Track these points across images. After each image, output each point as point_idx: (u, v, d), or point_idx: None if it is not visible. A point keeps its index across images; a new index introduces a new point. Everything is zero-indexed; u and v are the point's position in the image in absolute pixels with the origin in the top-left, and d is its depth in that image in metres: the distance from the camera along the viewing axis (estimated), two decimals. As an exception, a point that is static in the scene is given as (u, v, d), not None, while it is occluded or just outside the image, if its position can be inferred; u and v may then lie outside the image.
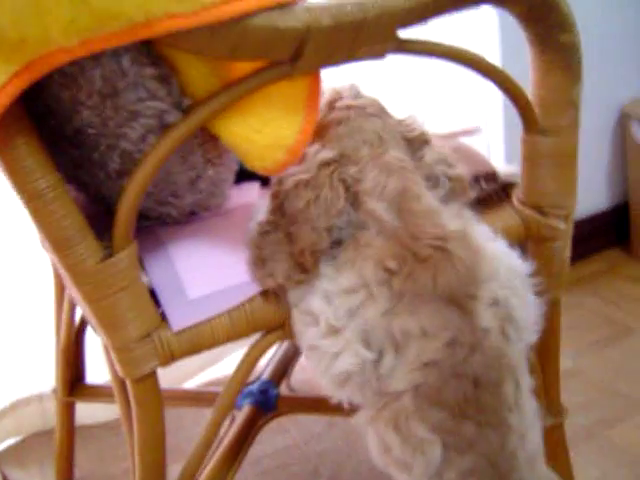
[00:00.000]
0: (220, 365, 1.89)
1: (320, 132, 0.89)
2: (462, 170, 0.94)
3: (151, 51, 0.79)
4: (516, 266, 0.88)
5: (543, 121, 0.99)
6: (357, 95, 0.93)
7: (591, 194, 2.29)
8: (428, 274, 0.79)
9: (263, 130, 0.83)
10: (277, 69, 0.80)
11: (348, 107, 0.90)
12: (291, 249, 0.84)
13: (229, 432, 1.30)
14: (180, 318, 0.87)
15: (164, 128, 0.81)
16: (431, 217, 0.83)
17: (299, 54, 0.78)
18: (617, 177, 2.32)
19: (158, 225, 0.98)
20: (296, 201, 0.83)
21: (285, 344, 1.59)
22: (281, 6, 0.74)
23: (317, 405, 1.44)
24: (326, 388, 0.88)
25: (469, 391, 0.80)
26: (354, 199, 0.84)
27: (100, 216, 0.88)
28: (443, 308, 0.80)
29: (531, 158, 1.01)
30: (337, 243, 0.84)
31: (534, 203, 1.03)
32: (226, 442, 1.27)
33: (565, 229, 1.04)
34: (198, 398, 1.45)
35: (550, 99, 0.98)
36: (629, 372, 1.76)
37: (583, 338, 1.89)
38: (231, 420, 1.35)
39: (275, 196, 0.86)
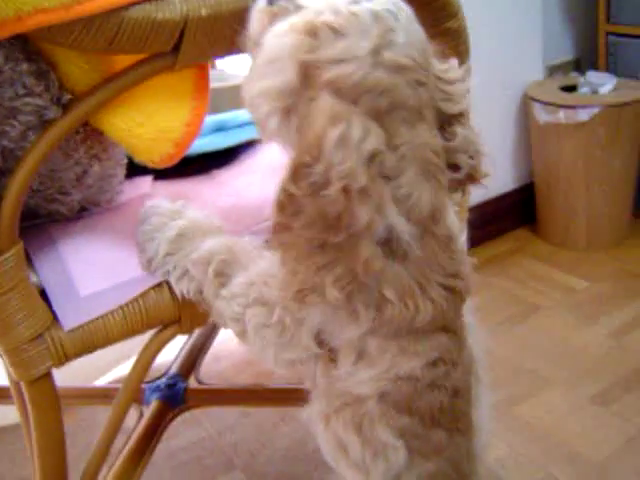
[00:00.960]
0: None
1: (357, 96, 0.64)
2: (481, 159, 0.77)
3: (26, 46, 0.77)
4: None
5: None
6: (406, 25, 0.67)
7: (498, 175, 2.33)
8: (433, 312, 0.71)
9: (147, 123, 0.82)
10: (157, 61, 0.79)
11: (398, 67, 0.65)
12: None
13: (137, 428, 1.29)
14: (72, 316, 0.86)
15: (44, 124, 0.79)
16: (450, 243, 0.72)
17: (178, 46, 0.77)
18: (522, 158, 2.36)
19: (49, 222, 0.96)
20: (331, 208, 0.64)
21: (193, 336, 1.58)
22: (157, -3, 0.73)
23: (227, 397, 1.44)
24: (276, 368, 0.82)
25: (445, 401, 0.75)
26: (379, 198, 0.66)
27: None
28: (435, 334, 0.74)
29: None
30: None
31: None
32: (134, 438, 1.26)
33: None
34: (107, 395, 1.43)
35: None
36: (535, 349, 1.80)
37: (492, 318, 1.93)
38: (139, 416, 1.34)
39: (306, 194, 0.65)
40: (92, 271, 0.89)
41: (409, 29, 0.67)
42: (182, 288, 0.85)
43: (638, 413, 1.54)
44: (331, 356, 0.77)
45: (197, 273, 0.83)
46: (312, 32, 0.64)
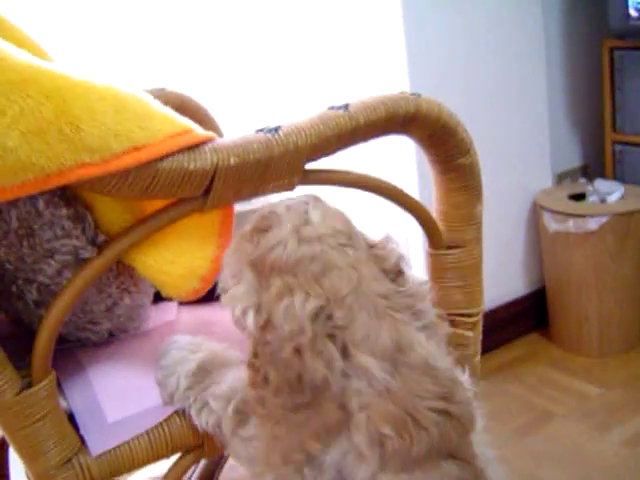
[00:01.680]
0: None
1: (293, 270, 0.75)
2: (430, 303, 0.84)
3: (65, 192, 0.82)
4: None
5: (447, 236, 1.05)
6: (317, 204, 0.82)
7: (509, 281, 2.36)
8: (429, 439, 0.72)
9: (177, 261, 0.86)
10: (188, 204, 0.84)
11: (319, 238, 0.77)
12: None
13: None
14: (99, 442, 0.88)
15: (80, 263, 0.84)
16: (430, 370, 0.75)
17: (209, 190, 0.82)
18: (533, 264, 2.40)
19: (78, 347, 1.00)
20: (289, 371, 0.72)
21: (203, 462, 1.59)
22: (189, 148, 0.78)
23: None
24: None
25: None
26: (342, 349, 0.73)
27: (21, 336, 0.89)
28: (443, 463, 0.74)
29: (437, 271, 1.06)
30: None
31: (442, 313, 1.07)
32: None
33: (473, 336, 1.09)
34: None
35: (452, 215, 1.04)
36: (549, 458, 1.80)
37: (506, 425, 1.93)
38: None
39: (264, 362, 0.74)
40: (120, 397, 0.92)
41: (325, 210, 0.81)
42: (202, 421, 0.87)
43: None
44: None
45: (217, 408, 0.85)
46: (249, 238, 0.80)
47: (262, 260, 0.78)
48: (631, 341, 2.28)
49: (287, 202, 0.82)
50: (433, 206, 1.06)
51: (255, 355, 0.75)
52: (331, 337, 0.73)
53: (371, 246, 0.83)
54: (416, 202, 1.01)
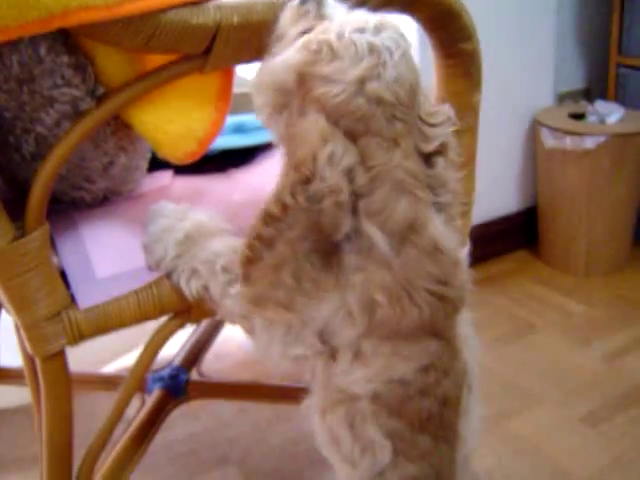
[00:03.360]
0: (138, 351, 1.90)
1: (339, 118, 0.72)
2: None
3: (68, 40, 0.82)
4: None
5: (443, 123, 1.05)
6: (398, 68, 0.74)
7: (503, 196, 2.37)
8: (417, 317, 0.75)
9: (174, 120, 0.87)
10: (188, 63, 0.84)
11: (379, 100, 0.72)
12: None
13: (138, 415, 1.33)
14: (87, 296, 0.90)
15: (78, 114, 0.84)
16: (436, 252, 0.75)
17: (210, 49, 0.82)
18: (528, 181, 2.41)
19: (72, 208, 1.01)
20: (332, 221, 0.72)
21: (197, 332, 1.63)
22: (193, 3, 0.78)
23: (227, 391, 1.48)
24: (277, 361, 0.84)
25: (434, 409, 0.79)
26: (354, 212, 0.73)
27: (16, 199, 0.90)
28: (424, 339, 0.77)
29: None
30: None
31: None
32: (135, 424, 1.30)
33: (462, 225, 1.10)
34: (109, 382, 1.48)
35: (451, 103, 1.04)
36: (529, 367, 1.84)
37: (488, 334, 1.97)
38: (141, 404, 1.38)
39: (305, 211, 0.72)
40: (110, 255, 0.94)
41: (401, 67, 0.74)
42: (191, 288, 0.88)
43: (624, 435, 1.58)
44: (332, 353, 0.80)
45: (205, 272, 0.86)
46: (315, 49, 0.72)
47: (312, 81, 0.73)
48: (618, 262, 2.31)
49: (373, 39, 0.73)
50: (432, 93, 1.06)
51: (291, 194, 0.71)
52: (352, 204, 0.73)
53: (424, 120, 0.79)
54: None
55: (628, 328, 2.00)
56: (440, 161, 0.79)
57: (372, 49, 0.72)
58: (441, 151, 0.79)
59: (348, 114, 0.72)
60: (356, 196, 0.73)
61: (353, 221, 0.73)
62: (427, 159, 0.78)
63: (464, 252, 0.82)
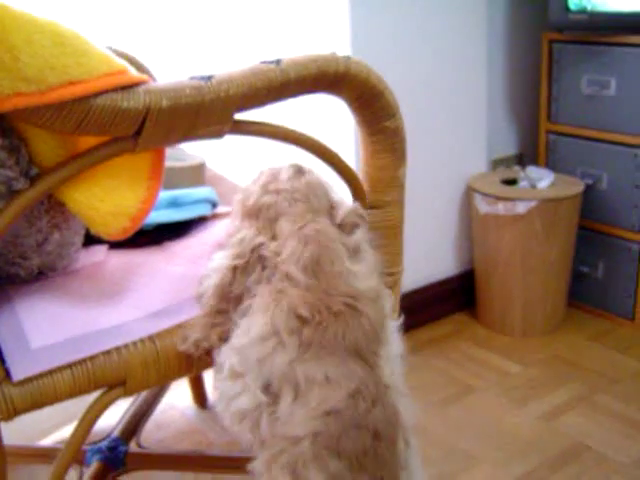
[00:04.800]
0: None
1: (255, 215, 0.96)
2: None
3: (1, 123, 0.84)
4: (399, 344, 0.95)
5: (370, 196, 1.09)
6: (296, 173, 0.99)
7: (441, 261, 2.43)
8: (338, 327, 0.84)
9: (106, 199, 0.89)
10: (119, 144, 0.87)
11: (277, 191, 0.96)
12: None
13: (77, 488, 1.33)
14: (22, 367, 0.90)
15: (12, 194, 0.86)
16: (345, 278, 0.89)
17: (140, 131, 0.85)
18: (464, 246, 2.47)
19: (7, 284, 1.02)
20: (234, 285, 0.93)
21: (137, 403, 1.62)
22: (123, 88, 0.81)
23: (166, 461, 1.48)
24: (228, 425, 0.91)
25: (368, 443, 0.82)
26: (273, 267, 0.91)
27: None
28: (348, 360, 0.84)
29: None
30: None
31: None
32: (73, 498, 1.29)
33: (393, 294, 1.13)
34: (47, 455, 1.47)
35: (377, 177, 1.09)
36: (468, 428, 1.87)
37: (427, 397, 1.99)
38: (80, 476, 1.37)
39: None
40: (44, 326, 0.94)
41: (294, 174, 1.00)
42: None
43: (562, 494, 1.61)
44: (275, 400, 0.85)
45: None
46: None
47: (243, 205, 0.99)
48: (553, 322, 2.36)
49: (275, 167, 1.01)
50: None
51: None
52: (262, 264, 0.92)
53: (332, 206, 0.99)
54: (342, 161, 1.05)
55: (564, 387, 2.05)
56: (357, 231, 0.97)
57: (271, 170, 1.01)
58: (356, 224, 0.98)
59: (260, 208, 0.96)
60: (272, 255, 0.91)
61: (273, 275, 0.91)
62: (344, 230, 0.97)
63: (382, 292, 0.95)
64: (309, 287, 0.87)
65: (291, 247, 0.90)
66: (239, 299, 0.92)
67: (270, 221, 0.95)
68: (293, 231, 0.92)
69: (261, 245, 0.93)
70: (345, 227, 0.97)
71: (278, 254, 0.91)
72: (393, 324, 0.96)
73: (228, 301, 0.92)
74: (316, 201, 0.97)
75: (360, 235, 0.97)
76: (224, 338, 0.91)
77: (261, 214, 0.96)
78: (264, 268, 0.92)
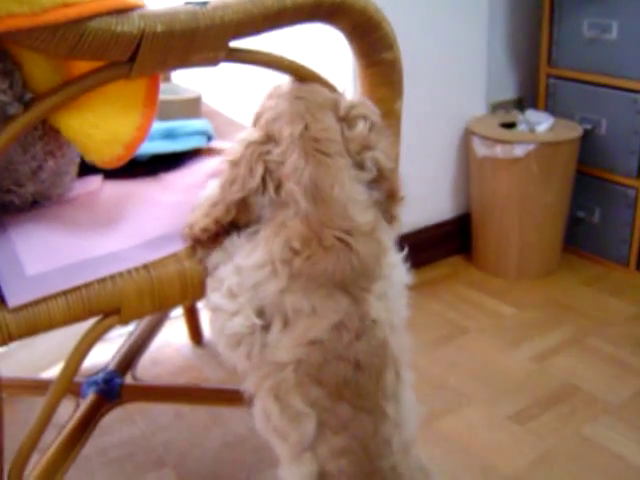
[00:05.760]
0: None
1: (256, 120, 0.96)
2: (392, 166, 0.97)
3: (-5, 46, 0.84)
4: (403, 277, 0.96)
5: (367, 130, 1.08)
6: (295, 84, 0.97)
7: (437, 204, 2.43)
8: (327, 261, 0.85)
9: (100, 125, 0.89)
10: (114, 69, 0.86)
11: (279, 95, 0.95)
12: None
13: (72, 419, 1.34)
14: (17, 294, 0.90)
15: (6, 119, 0.86)
16: (342, 208, 0.87)
17: (134, 57, 0.84)
18: (461, 189, 2.47)
19: (2, 212, 1.02)
20: (222, 178, 0.92)
21: (132, 337, 1.64)
22: (118, 12, 0.81)
23: (161, 394, 1.50)
24: (222, 350, 0.92)
25: (349, 374, 0.85)
26: (278, 182, 0.89)
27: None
28: (335, 293, 0.85)
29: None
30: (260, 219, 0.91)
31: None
32: (68, 428, 1.31)
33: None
34: (45, 387, 1.47)
35: (374, 109, 1.08)
36: (460, 368, 1.89)
37: (421, 337, 2.02)
38: (75, 408, 1.39)
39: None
40: (39, 253, 0.94)
41: (297, 82, 0.97)
42: None
43: (552, 432, 1.64)
44: (266, 325, 0.87)
45: None
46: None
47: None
48: (548, 266, 2.38)
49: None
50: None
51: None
52: (267, 169, 0.89)
53: (337, 100, 0.96)
54: (339, 91, 1.05)
55: (557, 330, 2.07)
56: (360, 123, 0.94)
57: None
58: (364, 115, 0.95)
59: (263, 111, 0.94)
60: (275, 165, 0.89)
61: (276, 194, 0.89)
62: (348, 123, 0.94)
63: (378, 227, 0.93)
64: (307, 214, 0.87)
65: (293, 162, 0.89)
66: (245, 205, 0.91)
67: (268, 123, 0.93)
68: (294, 136, 0.90)
69: (254, 143, 0.91)
70: (350, 120, 0.94)
71: (281, 164, 0.89)
72: (395, 257, 0.96)
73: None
74: (319, 97, 0.95)
75: (364, 128, 0.94)
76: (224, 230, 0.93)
77: (262, 117, 0.94)
78: (270, 176, 0.90)
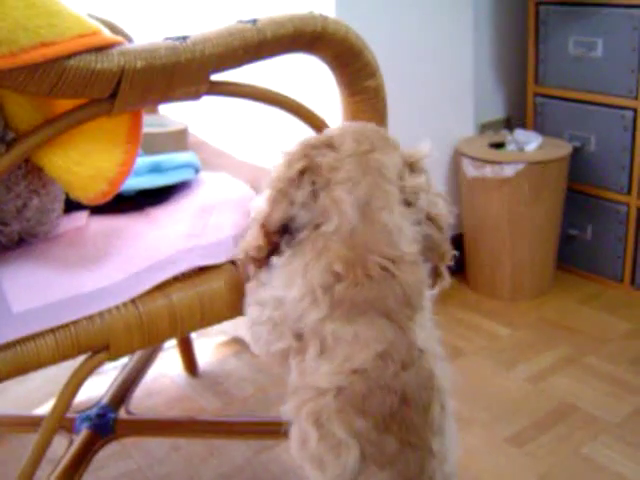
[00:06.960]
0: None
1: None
2: (447, 219, 0.99)
3: (-26, 87, 0.84)
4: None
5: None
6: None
7: (429, 226, 2.42)
8: (370, 290, 0.83)
9: (83, 162, 0.89)
10: (95, 107, 0.86)
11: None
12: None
13: (66, 455, 1.33)
14: (4, 332, 0.89)
15: (-12, 159, 0.86)
16: (389, 233, 0.87)
17: (115, 93, 0.84)
18: (452, 210, 2.45)
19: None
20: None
21: (125, 370, 1.63)
22: (97, 49, 0.81)
23: (155, 427, 1.49)
24: (270, 364, 0.94)
25: (395, 406, 0.81)
26: (325, 184, 0.88)
27: None
28: (379, 321, 0.83)
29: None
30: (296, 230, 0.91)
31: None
32: (62, 465, 1.30)
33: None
34: (38, 423, 1.46)
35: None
36: (457, 391, 1.87)
37: (417, 361, 2.01)
38: (69, 444, 1.38)
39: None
40: (26, 291, 0.93)
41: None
42: None
43: (551, 453, 1.62)
44: (303, 348, 0.86)
45: None
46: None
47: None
48: (542, 285, 2.38)
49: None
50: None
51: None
52: (310, 167, 0.89)
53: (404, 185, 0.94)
54: (322, 121, 1.05)
55: (552, 350, 2.06)
56: (424, 175, 0.97)
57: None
58: (424, 169, 0.98)
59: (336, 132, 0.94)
60: (328, 169, 0.88)
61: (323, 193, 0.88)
62: (412, 168, 0.96)
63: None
64: (354, 230, 0.86)
65: (348, 171, 0.89)
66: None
67: (335, 134, 0.93)
68: (357, 152, 0.90)
69: (318, 153, 0.90)
70: (413, 166, 0.96)
71: (334, 169, 0.89)
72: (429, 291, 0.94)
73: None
74: (391, 138, 0.97)
75: (422, 181, 0.96)
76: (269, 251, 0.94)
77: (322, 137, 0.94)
78: (314, 184, 0.89)
